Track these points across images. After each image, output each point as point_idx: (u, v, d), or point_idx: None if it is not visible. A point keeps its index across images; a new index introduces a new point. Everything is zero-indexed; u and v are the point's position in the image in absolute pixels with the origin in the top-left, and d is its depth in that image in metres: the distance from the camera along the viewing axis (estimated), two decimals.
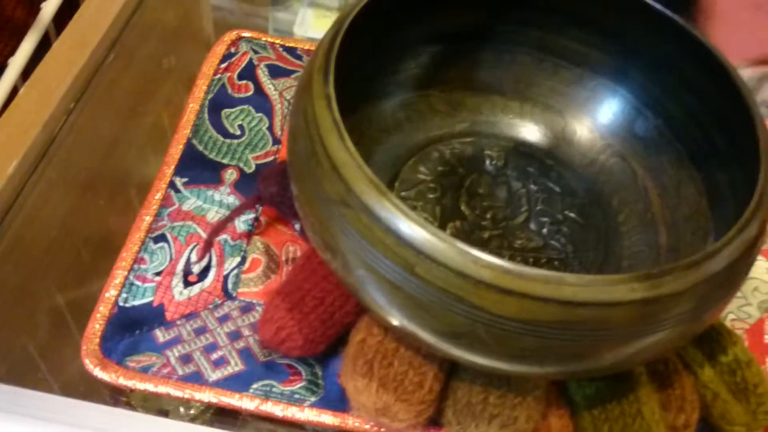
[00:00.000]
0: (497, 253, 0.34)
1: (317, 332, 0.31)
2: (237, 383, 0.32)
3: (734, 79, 0.30)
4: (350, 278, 0.27)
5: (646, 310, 0.24)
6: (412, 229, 0.24)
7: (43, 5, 0.46)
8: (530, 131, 0.39)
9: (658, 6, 0.33)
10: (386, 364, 0.29)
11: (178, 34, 0.56)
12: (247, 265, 0.36)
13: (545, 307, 0.23)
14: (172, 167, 0.39)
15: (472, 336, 0.25)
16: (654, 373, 0.31)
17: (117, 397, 0.34)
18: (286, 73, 0.44)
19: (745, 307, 0.38)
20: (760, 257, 0.40)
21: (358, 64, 0.33)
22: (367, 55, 0.34)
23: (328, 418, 0.32)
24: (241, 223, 0.38)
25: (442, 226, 0.35)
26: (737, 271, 0.27)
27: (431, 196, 0.36)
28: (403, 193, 0.36)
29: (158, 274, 0.35)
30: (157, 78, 0.50)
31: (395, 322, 0.26)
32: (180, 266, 0.36)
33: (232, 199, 0.38)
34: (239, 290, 0.35)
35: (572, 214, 0.36)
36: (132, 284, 0.35)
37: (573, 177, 0.38)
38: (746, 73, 0.53)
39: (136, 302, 0.34)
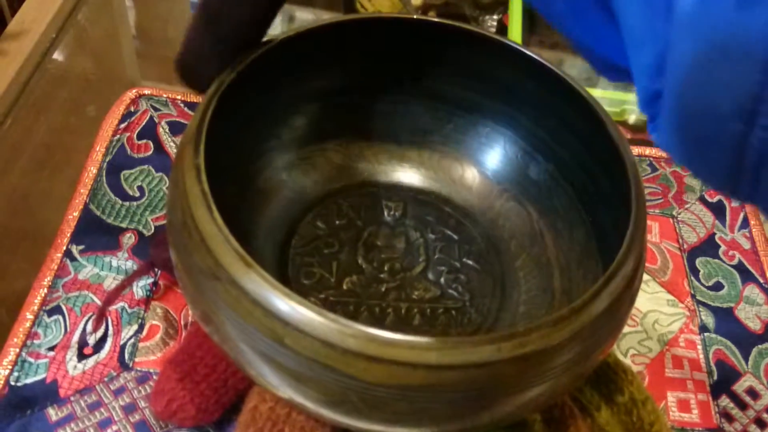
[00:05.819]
0: (394, 306, 0.35)
1: (210, 401, 0.31)
2: None
3: (606, 124, 0.31)
4: (229, 350, 0.26)
5: (517, 368, 0.24)
6: (279, 300, 0.24)
7: None
8: (428, 179, 0.40)
9: (530, 53, 0.33)
10: (276, 431, 0.29)
11: (96, 83, 0.55)
12: (144, 332, 0.36)
13: (413, 372, 0.23)
14: (68, 234, 0.39)
15: (347, 403, 0.24)
16: (549, 420, 0.32)
17: None
18: None
19: (646, 341, 0.39)
20: (660, 289, 0.41)
21: (240, 127, 0.33)
22: (249, 119, 0.34)
23: None
24: (139, 289, 0.37)
25: (339, 282, 0.35)
26: (612, 318, 0.27)
27: (327, 251, 0.36)
28: (299, 250, 0.36)
29: (52, 348, 0.35)
30: (71, 131, 0.49)
31: (276, 391, 0.26)
32: (75, 338, 0.35)
33: (131, 264, 0.38)
34: (136, 359, 0.35)
35: (470, 261, 0.37)
36: (24, 361, 0.34)
37: (471, 223, 0.38)
38: None
39: (29, 380, 0.33)
